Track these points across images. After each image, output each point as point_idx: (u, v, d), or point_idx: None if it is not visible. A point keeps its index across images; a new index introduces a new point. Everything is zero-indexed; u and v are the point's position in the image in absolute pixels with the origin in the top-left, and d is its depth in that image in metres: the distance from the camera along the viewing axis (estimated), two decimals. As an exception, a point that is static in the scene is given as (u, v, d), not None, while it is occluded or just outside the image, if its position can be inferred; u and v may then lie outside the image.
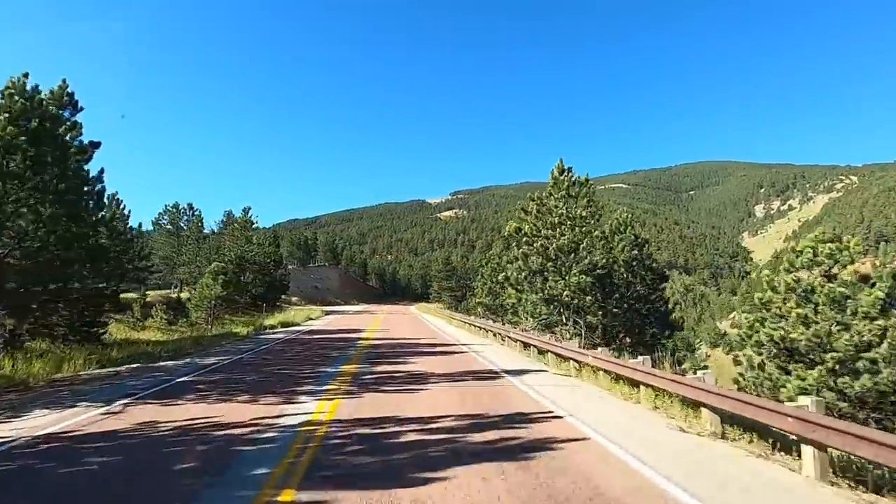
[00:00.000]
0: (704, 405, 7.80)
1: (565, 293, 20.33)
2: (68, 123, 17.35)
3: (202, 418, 7.94)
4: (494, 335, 24.71)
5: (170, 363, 15.53)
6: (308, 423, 7.63)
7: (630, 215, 26.92)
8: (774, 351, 13.43)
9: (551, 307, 21.58)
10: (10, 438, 6.88)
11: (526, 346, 18.88)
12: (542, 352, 17.71)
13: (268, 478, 5.26)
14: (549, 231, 21.73)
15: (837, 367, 11.82)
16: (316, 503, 4.65)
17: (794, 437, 6.05)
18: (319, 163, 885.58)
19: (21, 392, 10.61)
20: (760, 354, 13.76)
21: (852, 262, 13.86)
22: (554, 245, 20.74)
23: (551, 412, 8.52)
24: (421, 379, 11.90)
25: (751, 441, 7.09)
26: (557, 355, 15.35)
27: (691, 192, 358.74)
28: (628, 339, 24.57)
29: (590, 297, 20.20)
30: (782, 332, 12.94)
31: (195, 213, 61.56)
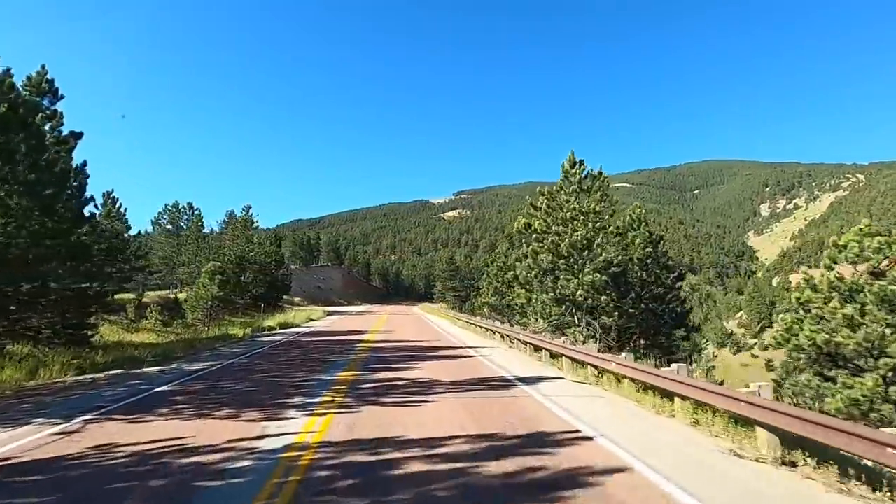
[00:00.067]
0: (761, 424, 6.59)
1: (579, 293, 19.09)
2: (47, 112, 16.21)
3: (169, 440, 6.75)
4: (502, 337, 23.50)
5: (154, 369, 14.37)
6: (292, 446, 6.43)
7: (643, 211, 25.65)
8: (814, 356, 12.22)
9: (563, 307, 20.35)
10: (-71, 469, 5.70)
11: (537, 349, 17.66)
12: (554, 356, 16.51)
13: (228, 531, 4.07)
14: (561, 227, 20.49)
15: (891, 374, 10.60)
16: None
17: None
18: (322, 163, 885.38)
19: (-22, 404, 9.45)
20: (799, 359, 12.52)
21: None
22: (566, 241, 19.50)
23: (578, 431, 7.30)
24: (425, 388, 10.70)
25: (817, 467, 5.88)
26: (573, 360, 14.14)
27: (696, 191, 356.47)
28: (642, 341, 23.34)
29: (605, 297, 18.95)
30: (825, 336, 11.70)
31: (195, 213, 60.33)
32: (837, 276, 12.47)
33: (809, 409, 10.32)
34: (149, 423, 7.77)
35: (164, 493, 4.88)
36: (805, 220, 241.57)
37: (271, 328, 32.35)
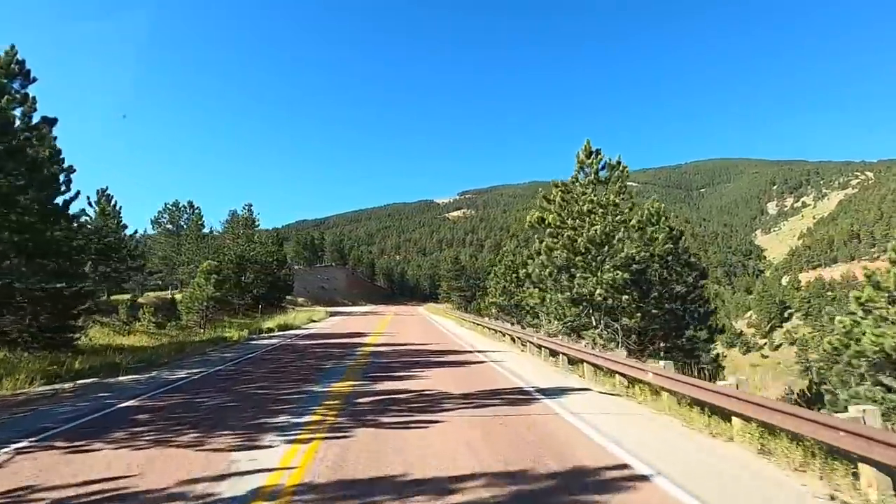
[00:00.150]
0: (867, 461, 5.08)
1: (598, 292, 17.56)
2: (16, 95, 14.77)
3: (106, 481, 5.27)
4: (513, 340, 21.99)
5: (131, 378, 12.90)
6: (261, 492, 4.94)
7: (662, 205, 24.05)
8: (877, 363, 10.68)
9: (580, 308, 18.82)
10: None
11: (554, 354, 16.15)
12: (573, 361, 15.01)
13: None
14: (577, 221, 18.98)
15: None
16: None
17: None
18: (326, 164, 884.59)
19: None
20: (859, 367, 10.97)
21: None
22: (584, 237, 17.97)
23: (626, 466, 5.78)
24: (432, 403, 9.19)
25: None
26: (596, 367, 12.64)
27: (702, 190, 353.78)
28: (662, 344, 21.78)
29: (626, 297, 17.40)
30: (893, 341, 10.15)
31: (195, 211, 58.88)
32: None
33: None
34: (93, 454, 6.29)
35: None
36: (813, 218, 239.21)
37: (269, 330, 30.91)
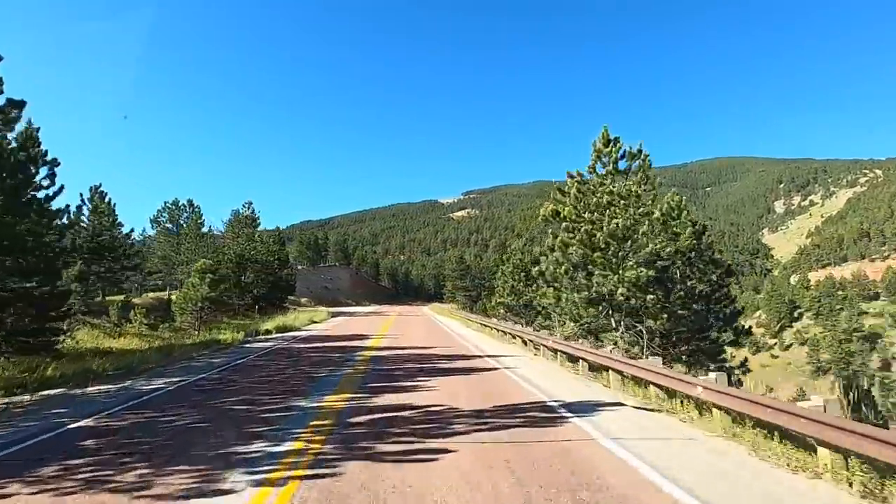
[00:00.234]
0: None
1: (619, 291, 16.02)
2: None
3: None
4: (524, 343, 20.49)
5: (101, 388, 11.47)
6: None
7: (682, 198, 22.48)
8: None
9: (599, 308, 17.30)
10: None
11: (573, 359, 14.66)
12: (594, 367, 13.52)
13: None
14: (596, 214, 17.44)
15: None
16: None
17: None
18: (330, 165, 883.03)
19: None
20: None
21: None
22: (604, 231, 16.44)
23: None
24: (439, 423, 7.70)
25: None
26: (623, 375, 11.15)
27: (708, 189, 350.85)
28: (685, 347, 20.26)
29: (651, 297, 15.85)
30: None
31: (195, 210, 57.47)
32: None
33: None
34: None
35: None
36: (821, 216, 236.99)
37: (267, 332, 29.50)
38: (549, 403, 9.23)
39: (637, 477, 5.45)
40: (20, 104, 14.12)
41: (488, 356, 17.10)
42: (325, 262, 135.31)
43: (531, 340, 19.47)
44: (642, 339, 16.46)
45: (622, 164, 18.61)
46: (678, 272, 19.90)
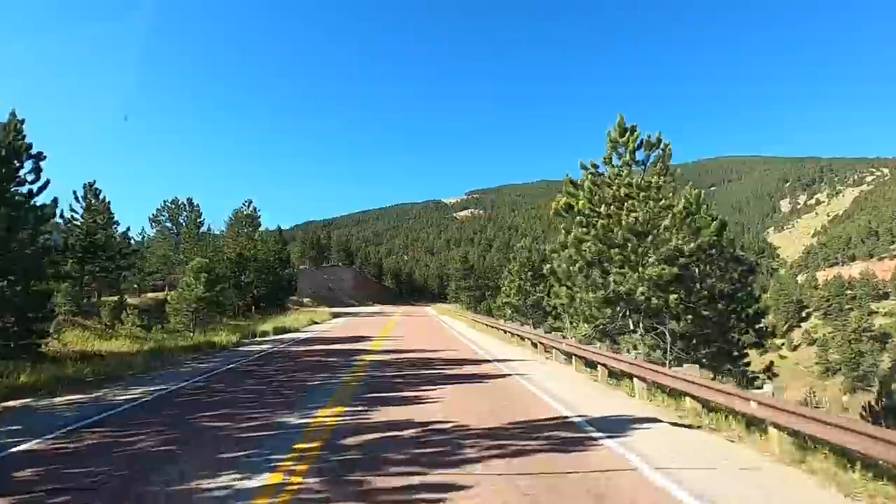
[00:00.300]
0: None
1: (639, 290, 14.81)
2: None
3: None
4: (534, 345, 19.29)
5: (69, 399, 10.28)
6: None
7: (700, 192, 21.20)
8: None
9: (616, 309, 16.08)
10: None
11: (591, 364, 13.47)
12: (613, 373, 12.35)
13: None
14: (613, 207, 16.22)
15: None
16: None
17: None
18: (333, 165, 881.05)
19: None
20: None
21: None
22: (623, 225, 15.21)
23: None
24: (447, 446, 6.48)
25: None
26: (645, 382, 9.95)
27: (712, 188, 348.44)
28: (703, 350, 19.01)
29: (674, 296, 14.62)
30: None
31: (194, 208, 56.32)
32: None
33: None
34: None
35: None
36: (828, 215, 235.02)
37: (265, 333, 28.37)
38: (572, 419, 8.01)
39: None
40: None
41: (497, 360, 15.90)
42: (328, 263, 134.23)
43: (542, 343, 18.29)
44: (664, 341, 15.24)
45: (640, 155, 17.42)
46: (697, 270, 18.68)
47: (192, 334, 26.78)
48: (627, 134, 17.45)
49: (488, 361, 15.68)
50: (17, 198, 16.90)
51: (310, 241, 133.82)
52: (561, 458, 6.03)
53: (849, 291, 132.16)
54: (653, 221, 15.26)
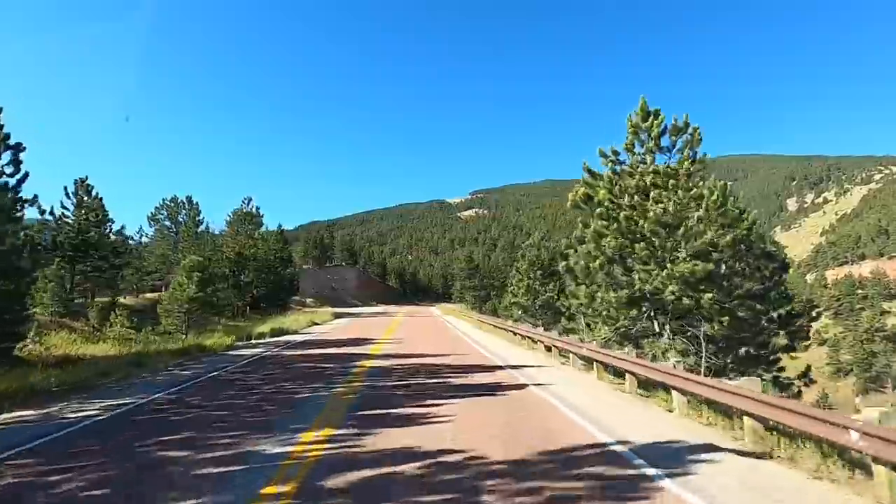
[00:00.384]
0: None
1: (669, 288, 13.28)
2: None
3: None
4: (547, 349, 17.75)
5: (14, 416, 8.81)
6: None
7: (726, 184, 19.62)
8: None
9: (641, 309, 14.56)
10: None
11: (617, 372, 11.94)
12: (643, 382, 10.85)
13: None
14: (637, 198, 14.71)
15: None
16: None
17: None
18: (336, 165, 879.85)
19: None
20: None
21: None
22: (650, 217, 13.69)
23: None
24: (462, 492, 4.96)
25: None
26: (687, 393, 8.44)
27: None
28: (732, 354, 17.45)
29: (709, 295, 13.08)
30: None
31: (193, 207, 54.87)
32: None
33: None
34: None
35: None
36: (836, 214, 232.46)
37: (261, 335, 26.86)
38: (614, 447, 6.48)
39: None
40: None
41: (510, 367, 14.35)
42: (332, 263, 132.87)
43: (556, 346, 16.73)
44: (696, 346, 13.69)
45: (665, 141, 15.87)
46: (724, 266, 17.13)
47: (184, 336, 25.37)
48: (651, 118, 15.93)
49: (500, 368, 14.15)
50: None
51: (313, 240, 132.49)
52: (614, 512, 4.51)
53: (860, 291, 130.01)
54: (682, 213, 13.73)
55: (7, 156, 17.93)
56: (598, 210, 15.21)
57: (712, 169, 15.48)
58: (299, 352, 19.06)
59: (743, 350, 16.74)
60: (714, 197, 13.73)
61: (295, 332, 29.89)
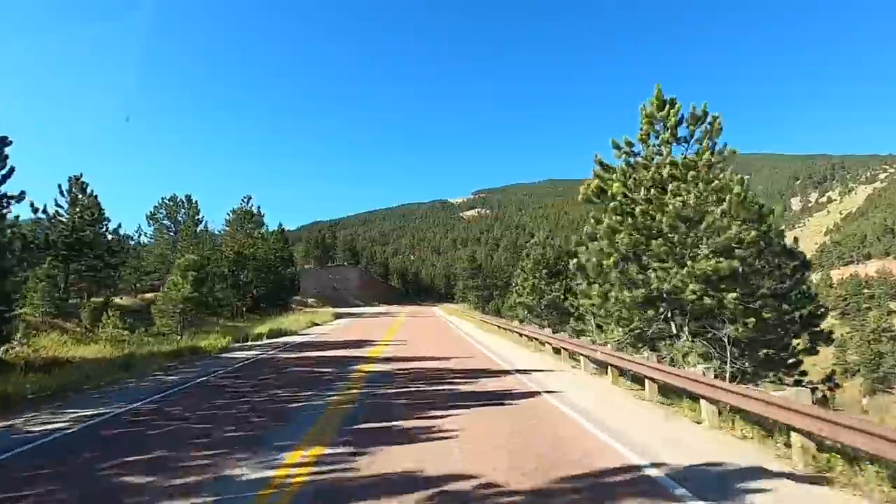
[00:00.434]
0: None
1: (690, 287, 12.37)
2: None
3: None
4: (556, 351, 16.87)
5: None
6: None
7: (744, 177, 18.69)
8: None
9: (659, 310, 13.65)
10: None
11: (638, 380, 11.04)
12: (663, 390, 9.98)
13: None
14: (653, 191, 13.80)
15: None
16: None
17: None
18: (339, 166, 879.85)
19: None
20: None
21: None
22: (669, 211, 12.78)
23: None
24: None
25: None
26: (712, 405, 7.55)
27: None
28: (749, 357, 16.51)
29: (733, 295, 12.16)
30: None
31: (193, 205, 53.96)
32: None
33: None
34: None
35: None
36: (841, 213, 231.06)
37: (258, 337, 26.00)
38: (647, 471, 5.57)
39: None
40: None
41: (518, 371, 13.45)
42: (334, 262, 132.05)
43: (565, 349, 15.82)
44: (719, 349, 12.77)
45: (682, 131, 14.95)
46: (745, 264, 16.18)
47: (179, 338, 24.53)
48: (667, 107, 14.99)
49: (508, 373, 13.24)
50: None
51: (314, 240, 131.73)
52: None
53: (866, 290, 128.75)
54: (703, 207, 12.81)
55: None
56: (611, 204, 14.29)
57: (730, 162, 14.52)
58: (296, 354, 18.19)
59: (762, 353, 15.85)
60: (737, 190, 12.80)
61: (294, 333, 29.03)
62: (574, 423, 7.79)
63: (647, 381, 10.25)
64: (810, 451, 6.12)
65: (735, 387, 7.87)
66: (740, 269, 13.35)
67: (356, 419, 8.01)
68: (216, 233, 54.26)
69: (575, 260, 15.72)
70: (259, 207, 57.21)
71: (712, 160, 13.27)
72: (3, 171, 17.07)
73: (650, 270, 13.77)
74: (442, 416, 8.09)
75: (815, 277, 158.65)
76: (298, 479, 5.29)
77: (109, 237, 37.43)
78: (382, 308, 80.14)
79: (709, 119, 14.45)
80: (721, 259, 12.18)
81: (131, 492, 5.05)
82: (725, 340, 12.30)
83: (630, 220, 13.91)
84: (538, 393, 10.27)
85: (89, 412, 8.92)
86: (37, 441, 7.09)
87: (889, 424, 6.46)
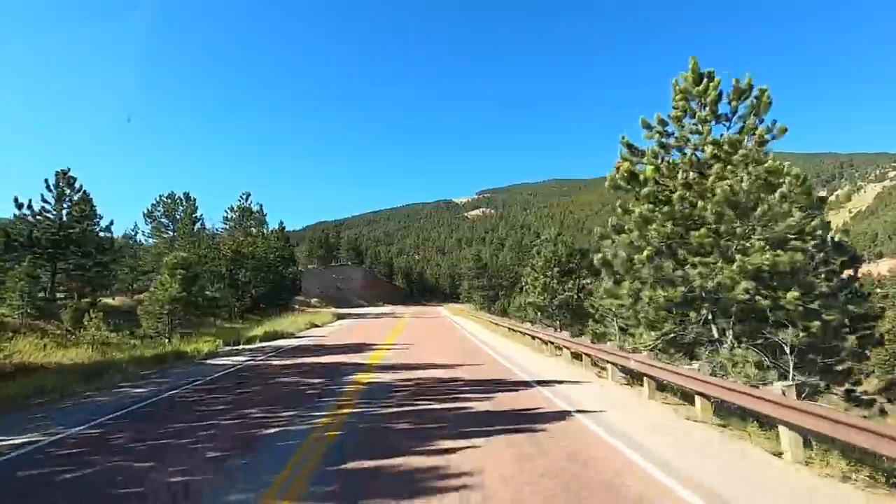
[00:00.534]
0: None
1: (741, 285, 10.56)
2: None
3: None
4: (575, 357, 15.08)
5: None
6: None
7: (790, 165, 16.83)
8: None
9: (700, 312, 11.83)
10: None
11: (688, 396, 9.23)
12: (720, 407, 8.22)
13: None
14: (692, 175, 11.99)
15: None
16: None
17: None
18: (343, 166, 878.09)
19: None
20: None
21: None
22: (716, 197, 10.96)
23: None
24: None
25: None
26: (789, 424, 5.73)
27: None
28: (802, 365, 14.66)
29: (794, 294, 10.35)
30: None
31: (191, 203, 52.26)
32: None
33: None
34: None
35: None
36: (850, 212, 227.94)
37: (251, 340, 24.27)
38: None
39: None
40: None
41: (538, 382, 11.61)
42: (337, 262, 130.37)
43: (587, 355, 13.99)
44: (774, 358, 10.92)
45: (723, 108, 13.14)
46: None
47: (167, 340, 22.83)
48: (705, 81, 13.18)
49: (527, 384, 11.41)
50: None
51: (318, 240, 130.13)
52: None
53: (879, 290, 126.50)
54: (758, 192, 10.98)
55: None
56: (644, 190, 12.48)
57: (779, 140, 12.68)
58: (288, 360, 16.42)
59: (820, 361, 13.97)
60: (796, 172, 10.98)
61: (290, 336, 27.30)
62: (629, 464, 5.95)
63: (697, 397, 8.45)
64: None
65: (832, 412, 6.04)
66: (805, 265, 11.54)
67: (342, 454, 6.20)
68: (215, 231, 52.59)
69: (599, 255, 13.85)
70: (261, 206, 55.64)
71: (765, 136, 11.43)
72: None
73: (688, 266, 11.96)
74: (453, 449, 6.30)
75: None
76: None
77: (101, 235, 35.77)
78: (387, 308, 78.39)
79: (754, 93, 12.63)
80: (779, 252, 10.35)
81: None
82: (785, 347, 10.45)
83: (666, 208, 12.10)
84: (569, 413, 8.45)
85: (15, 441, 7.16)
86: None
87: None
